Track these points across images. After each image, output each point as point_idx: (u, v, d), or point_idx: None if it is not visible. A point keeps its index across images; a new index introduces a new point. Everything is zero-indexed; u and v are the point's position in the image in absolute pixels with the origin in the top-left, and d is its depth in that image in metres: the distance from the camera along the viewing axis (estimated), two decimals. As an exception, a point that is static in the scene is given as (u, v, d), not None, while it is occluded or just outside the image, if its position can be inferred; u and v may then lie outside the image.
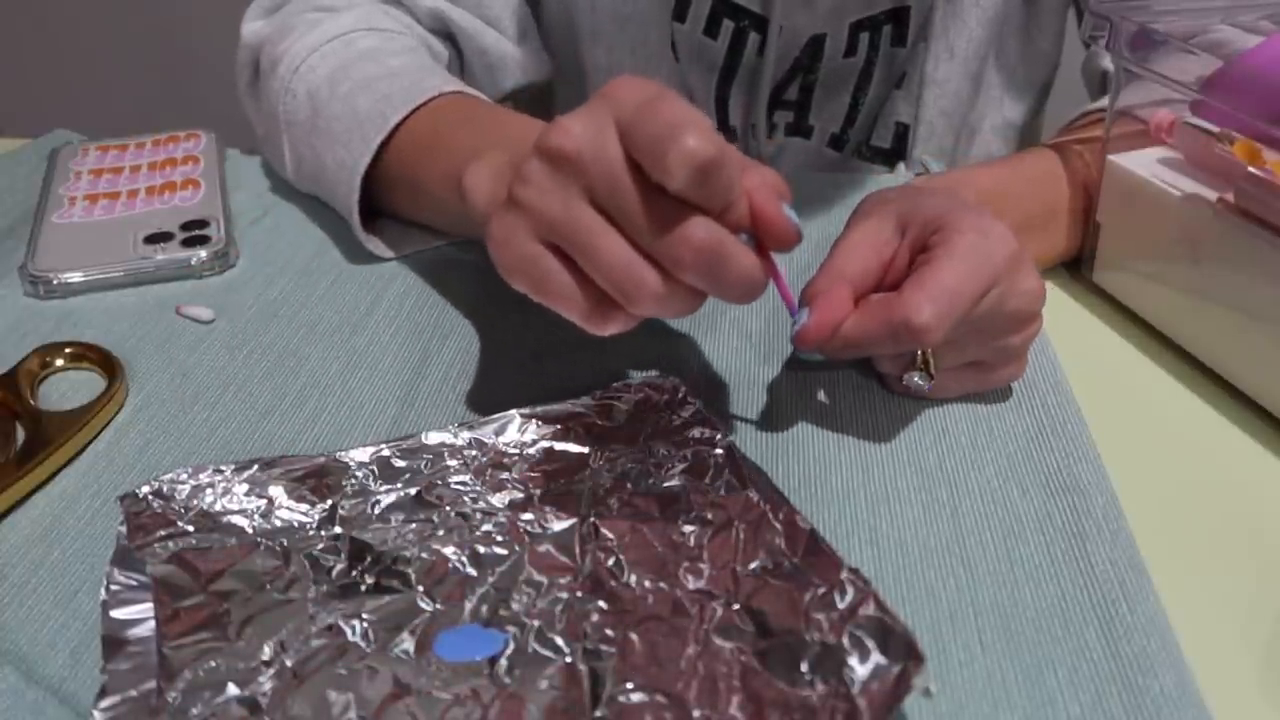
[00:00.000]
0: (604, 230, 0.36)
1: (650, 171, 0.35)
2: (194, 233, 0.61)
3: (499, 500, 0.41)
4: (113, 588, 0.37)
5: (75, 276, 0.58)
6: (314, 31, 0.63)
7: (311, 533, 0.40)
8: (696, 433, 0.44)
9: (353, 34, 0.63)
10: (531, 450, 0.44)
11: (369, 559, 0.38)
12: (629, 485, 0.41)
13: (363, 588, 0.37)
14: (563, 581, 0.37)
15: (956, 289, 0.41)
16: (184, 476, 0.42)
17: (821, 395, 0.49)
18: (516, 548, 0.39)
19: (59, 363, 0.52)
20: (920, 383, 0.45)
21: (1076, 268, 0.61)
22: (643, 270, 0.36)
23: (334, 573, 0.38)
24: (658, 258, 0.36)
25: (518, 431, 0.45)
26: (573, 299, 0.38)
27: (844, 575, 0.35)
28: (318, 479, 0.42)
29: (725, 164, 0.35)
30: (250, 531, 0.40)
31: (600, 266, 0.37)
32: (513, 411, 0.45)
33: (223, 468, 0.42)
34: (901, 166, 0.73)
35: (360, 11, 0.66)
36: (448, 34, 0.70)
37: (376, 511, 0.41)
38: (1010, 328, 0.45)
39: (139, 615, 0.36)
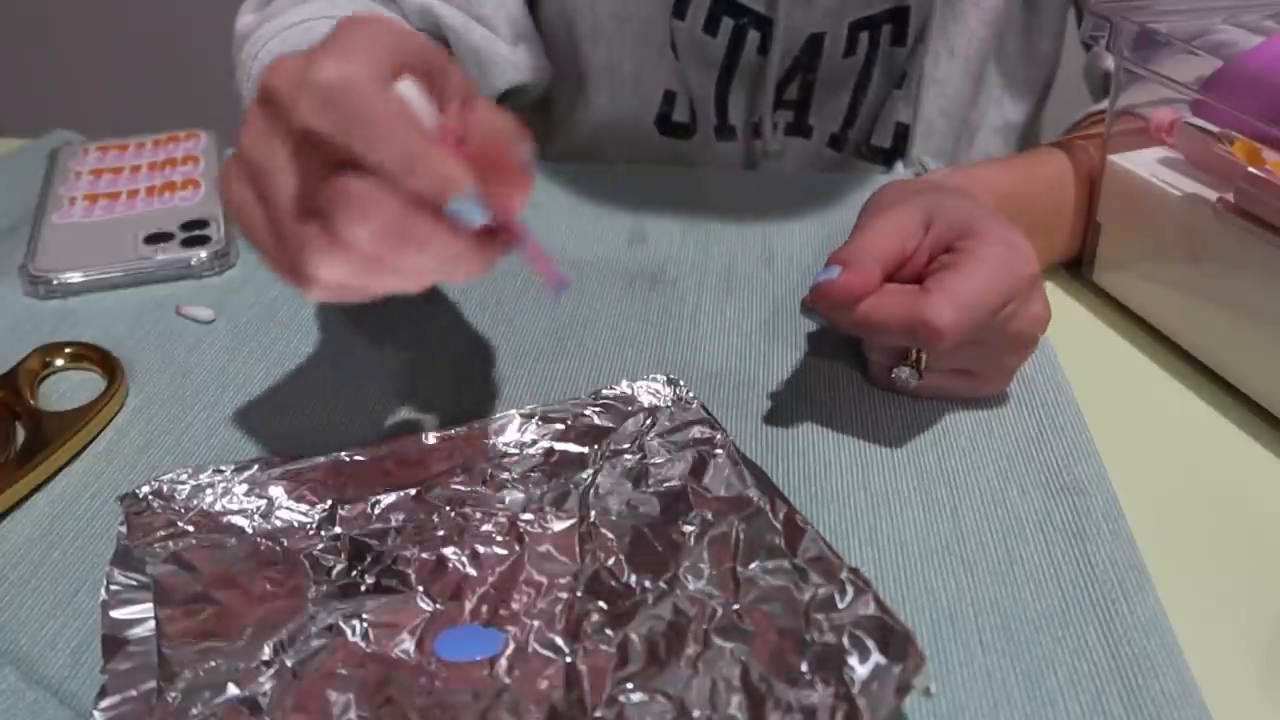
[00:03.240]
0: (279, 177, 0.33)
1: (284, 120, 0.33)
2: (194, 233, 0.61)
3: (499, 500, 0.41)
4: (113, 588, 0.37)
5: (75, 276, 0.58)
6: (280, 19, 0.64)
7: (311, 533, 0.40)
8: (696, 433, 0.44)
9: (313, 21, 0.63)
10: (531, 450, 0.44)
11: (369, 559, 0.38)
12: (629, 485, 0.41)
13: (363, 588, 0.37)
14: (563, 581, 0.37)
15: (979, 300, 0.41)
16: (184, 476, 0.42)
17: (821, 395, 0.49)
18: (516, 548, 0.39)
19: (59, 363, 0.52)
20: (908, 379, 0.45)
21: (1076, 268, 0.61)
22: (302, 230, 0.33)
23: (334, 573, 0.38)
24: (327, 225, 0.33)
25: (518, 431, 0.45)
26: (267, 250, 0.35)
27: (844, 575, 0.35)
28: (318, 479, 0.42)
29: (360, 95, 0.32)
30: (250, 531, 0.40)
31: (275, 216, 0.34)
32: (513, 411, 0.45)
33: (223, 468, 0.42)
34: (899, 165, 0.73)
35: (335, 1, 0.65)
36: (437, 33, 0.70)
37: (376, 511, 0.41)
38: (1010, 347, 0.46)
39: (139, 615, 0.36)
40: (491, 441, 0.44)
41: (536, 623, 0.36)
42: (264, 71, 0.34)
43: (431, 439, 0.44)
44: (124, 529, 0.40)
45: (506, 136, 0.35)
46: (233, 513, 0.41)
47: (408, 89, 0.34)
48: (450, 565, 0.38)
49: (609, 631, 0.35)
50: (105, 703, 0.33)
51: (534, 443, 0.44)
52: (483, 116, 0.35)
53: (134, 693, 0.34)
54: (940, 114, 0.73)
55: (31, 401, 0.48)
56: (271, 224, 0.34)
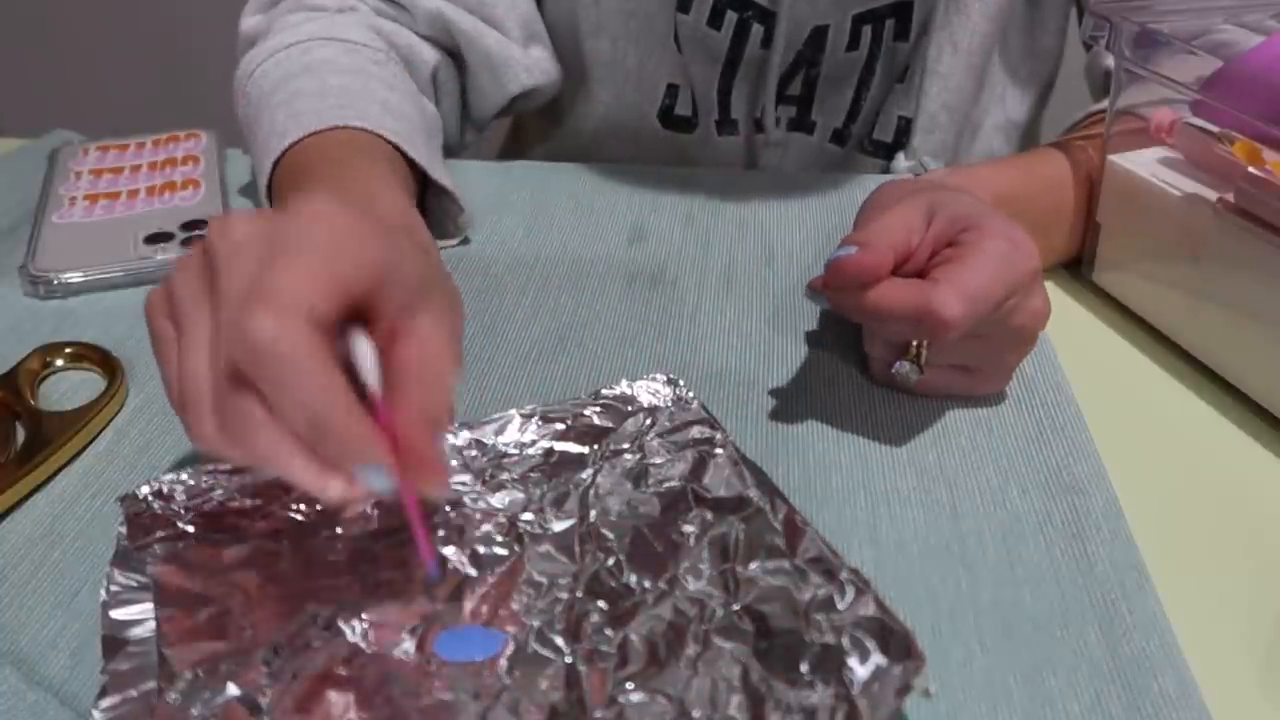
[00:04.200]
0: (194, 342, 0.34)
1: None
2: (194, 233, 0.61)
3: (499, 500, 0.41)
4: (113, 588, 0.37)
5: (75, 276, 0.58)
6: (278, 37, 0.64)
7: (311, 533, 0.40)
8: (696, 433, 0.44)
9: (310, 43, 0.63)
10: (531, 450, 0.44)
11: (369, 559, 0.38)
12: (629, 485, 0.41)
13: (363, 588, 0.37)
14: (563, 581, 0.37)
15: (985, 292, 0.41)
16: (184, 476, 0.42)
17: (822, 395, 0.49)
18: (516, 548, 0.39)
19: (59, 363, 0.52)
20: (908, 373, 0.45)
21: (1076, 268, 0.61)
22: (201, 391, 0.33)
23: (334, 573, 0.38)
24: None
25: (518, 431, 0.45)
26: (172, 395, 0.35)
27: (844, 575, 0.35)
28: (318, 479, 0.42)
29: (286, 362, 0.31)
30: (250, 532, 0.40)
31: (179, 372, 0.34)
32: (513, 411, 0.45)
33: (222, 468, 0.42)
34: (900, 156, 0.73)
35: (334, 19, 0.65)
36: (449, 39, 0.70)
37: (376, 511, 0.41)
38: (1010, 342, 0.46)
39: (139, 615, 0.36)
40: (491, 441, 0.44)
41: (536, 623, 0.36)
42: (216, 226, 0.34)
43: (431, 439, 0.44)
44: (124, 529, 0.40)
45: (436, 370, 0.34)
46: (232, 513, 0.41)
47: (360, 345, 0.33)
48: (450, 565, 0.38)
49: (609, 631, 0.35)
50: (105, 703, 0.33)
51: (534, 443, 0.44)
52: (419, 340, 0.34)
53: (134, 693, 0.34)
54: (943, 108, 0.73)
55: (31, 401, 0.48)
56: (178, 370, 0.34)
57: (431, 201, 0.61)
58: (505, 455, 0.44)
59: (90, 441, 0.47)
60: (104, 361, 0.51)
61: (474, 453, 0.44)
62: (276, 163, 0.56)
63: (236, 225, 0.34)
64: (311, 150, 0.55)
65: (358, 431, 0.31)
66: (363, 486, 0.32)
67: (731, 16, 0.71)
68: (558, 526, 0.40)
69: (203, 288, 0.34)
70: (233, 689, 0.33)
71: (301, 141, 0.55)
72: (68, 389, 0.50)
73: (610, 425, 0.45)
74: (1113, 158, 0.56)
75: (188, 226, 0.62)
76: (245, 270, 0.33)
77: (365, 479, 0.32)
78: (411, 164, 0.57)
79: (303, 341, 0.31)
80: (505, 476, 0.42)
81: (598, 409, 0.46)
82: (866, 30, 0.71)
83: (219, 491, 0.41)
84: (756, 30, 0.71)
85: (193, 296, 0.34)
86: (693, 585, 0.37)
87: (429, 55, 0.69)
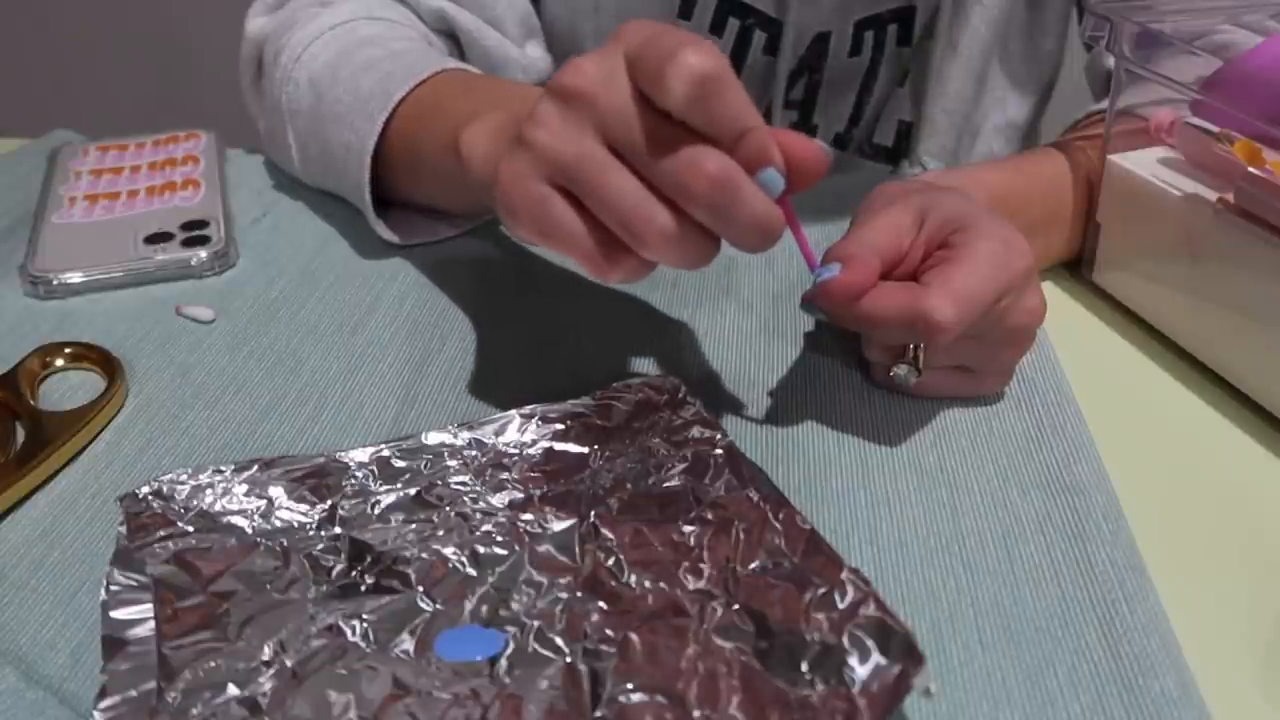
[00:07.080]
0: (614, 167, 0.36)
1: (652, 95, 0.35)
2: (194, 233, 0.61)
3: (499, 500, 0.41)
4: (113, 588, 0.37)
5: (75, 276, 0.58)
6: (315, 21, 0.64)
7: (311, 533, 0.40)
8: (696, 433, 0.44)
9: (354, 22, 0.64)
10: (531, 450, 0.44)
11: (369, 559, 0.38)
12: (629, 485, 0.41)
13: (363, 588, 0.37)
14: (563, 581, 0.37)
15: (977, 294, 0.41)
16: (184, 477, 0.42)
17: (821, 395, 0.49)
18: (516, 548, 0.39)
19: (59, 363, 0.52)
20: (906, 376, 0.45)
21: (1076, 268, 0.61)
22: (652, 207, 0.36)
23: (334, 573, 0.38)
24: (668, 191, 0.36)
25: (518, 431, 0.45)
26: (578, 241, 0.37)
27: (844, 575, 0.35)
28: (318, 479, 0.42)
29: (726, 82, 0.35)
30: (250, 532, 0.40)
31: (608, 203, 0.36)
32: (513, 411, 0.45)
33: (223, 468, 0.42)
34: (905, 164, 0.73)
35: (362, 3, 0.66)
36: (451, 35, 0.70)
37: (376, 512, 0.41)
38: (1006, 341, 0.46)
39: (139, 615, 0.36)
40: (491, 441, 0.44)
41: (536, 623, 0.36)
42: (560, 73, 0.37)
43: (432, 439, 0.44)
44: (124, 529, 0.40)
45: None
46: (232, 513, 0.41)
47: None
48: (450, 565, 0.38)
49: (609, 631, 0.35)
50: (105, 703, 0.33)
51: (534, 443, 0.44)
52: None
53: (134, 693, 0.33)
54: (943, 112, 0.73)
55: (31, 401, 0.48)
56: (588, 217, 0.37)
57: None
58: (505, 455, 0.44)
59: (90, 441, 0.47)
60: (104, 361, 0.51)
61: (474, 453, 0.44)
62: (389, 121, 0.56)
63: (584, 62, 0.37)
64: (429, 95, 0.56)
65: (770, 138, 0.37)
66: (766, 189, 0.37)
67: (734, 24, 0.71)
68: (558, 526, 0.40)
69: (581, 125, 0.36)
70: (233, 689, 0.33)
71: (412, 93, 0.56)
72: (68, 389, 0.50)
73: (610, 425, 0.45)
74: (1113, 158, 0.56)
75: (188, 226, 0.62)
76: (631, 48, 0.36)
77: (768, 183, 0.37)
78: None
79: (728, 68, 0.35)
80: (505, 476, 0.42)
81: (597, 409, 0.46)
82: (868, 36, 0.71)
83: (219, 491, 0.41)
84: (759, 37, 0.71)
85: (578, 136, 0.36)
86: (693, 585, 0.37)
87: (441, 45, 0.69)
